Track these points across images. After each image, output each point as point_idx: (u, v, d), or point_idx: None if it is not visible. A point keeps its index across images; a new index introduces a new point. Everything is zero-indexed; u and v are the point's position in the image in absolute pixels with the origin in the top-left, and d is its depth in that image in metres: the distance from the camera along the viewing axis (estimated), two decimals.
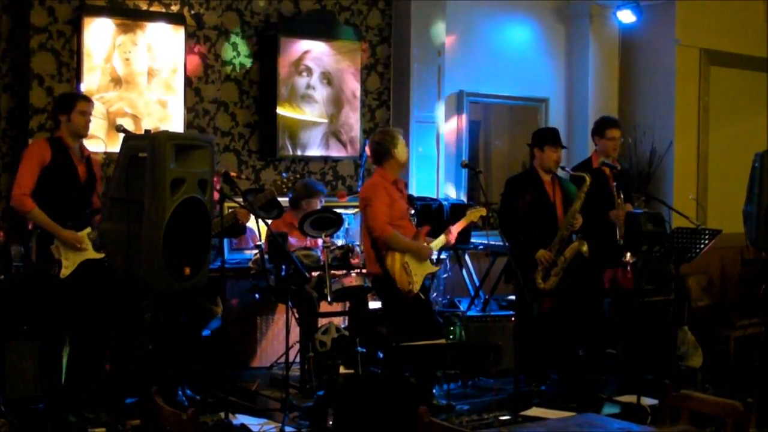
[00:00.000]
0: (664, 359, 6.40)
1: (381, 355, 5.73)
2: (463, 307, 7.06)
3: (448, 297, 7.31)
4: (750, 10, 9.05)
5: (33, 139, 6.10)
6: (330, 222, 6.29)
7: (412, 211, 6.40)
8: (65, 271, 5.20)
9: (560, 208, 6.16)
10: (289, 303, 5.91)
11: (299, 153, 7.35)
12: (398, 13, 7.90)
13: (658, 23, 8.68)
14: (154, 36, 6.70)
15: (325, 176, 7.61)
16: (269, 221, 6.10)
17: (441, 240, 5.89)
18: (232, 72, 7.19)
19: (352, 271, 6.42)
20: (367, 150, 6.48)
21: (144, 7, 6.72)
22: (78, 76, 6.40)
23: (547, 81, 8.81)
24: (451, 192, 8.08)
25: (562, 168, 6.26)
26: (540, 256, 5.99)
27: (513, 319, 6.67)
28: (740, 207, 6.64)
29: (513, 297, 6.89)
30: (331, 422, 5.24)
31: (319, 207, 6.68)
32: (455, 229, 5.98)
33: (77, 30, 6.40)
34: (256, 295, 6.56)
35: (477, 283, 7.54)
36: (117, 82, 6.58)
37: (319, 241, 6.58)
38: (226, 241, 6.44)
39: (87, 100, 5.47)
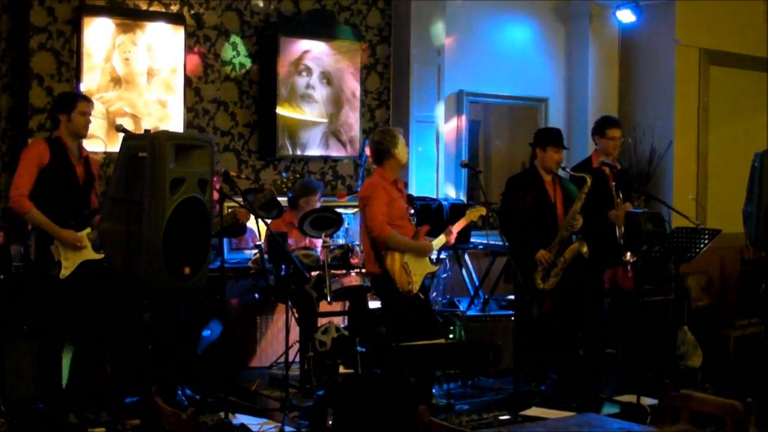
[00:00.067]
0: (664, 359, 6.40)
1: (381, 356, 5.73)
2: (462, 306, 7.06)
3: (448, 297, 7.31)
4: (750, 10, 9.05)
5: (32, 139, 6.10)
6: (330, 222, 6.29)
7: (412, 211, 6.40)
8: (65, 272, 5.20)
9: (560, 208, 6.16)
10: (289, 303, 5.92)
11: (299, 153, 7.35)
12: (398, 13, 7.90)
13: (658, 23, 8.68)
14: (154, 36, 6.70)
15: (325, 176, 7.61)
16: (269, 221, 6.10)
17: (441, 239, 5.90)
18: (231, 72, 7.19)
19: (351, 271, 6.42)
20: (367, 150, 6.48)
21: (144, 7, 6.72)
22: (78, 75, 6.40)
23: (547, 81, 8.81)
24: (450, 192, 8.08)
25: (563, 168, 6.26)
26: (540, 256, 5.99)
27: (513, 319, 6.67)
28: (740, 207, 6.64)
29: (513, 297, 6.89)
30: (330, 422, 5.24)
31: (317, 205, 6.68)
32: (455, 228, 5.98)
33: (77, 30, 6.40)
34: (256, 295, 6.56)
35: (477, 283, 7.54)
36: (117, 81, 6.58)
37: (316, 241, 6.59)
38: (226, 241, 6.44)
39: (87, 100, 5.46)
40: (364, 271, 6.23)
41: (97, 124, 6.07)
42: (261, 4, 7.23)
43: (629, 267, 6.25)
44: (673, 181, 8.62)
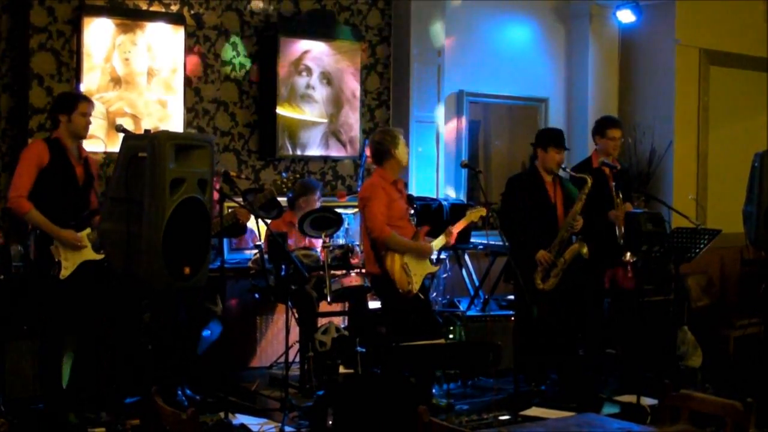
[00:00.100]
0: (664, 359, 6.40)
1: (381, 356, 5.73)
2: (462, 306, 7.06)
3: (448, 297, 7.31)
4: (750, 10, 9.05)
5: (32, 139, 6.09)
6: (329, 222, 6.29)
7: (412, 211, 6.40)
8: (65, 272, 5.20)
9: (561, 208, 6.16)
10: (289, 303, 5.92)
11: (299, 153, 7.35)
12: (398, 13, 7.90)
13: (658, 23, 8.68)
14: (154, 36, 6.70)
15: (325, 176, 7.61)
16: (269, 221, 6.10)
17: (441, 240, 5.89)
18: (231, 72, 7.19)
19: (351, 271, 6.42)
20: (367, 150, 6.48)
21: (144, 7, 6.72)
22: (78, 75, 6.40)
23: (547, 81, 8.82)
24: (450, 192, 8.08)
25: (563, 169, 6.25)
26: (540, 257, 5.99)
27: (513, 319, 6.67)
28: (740, 207, 6.64)
29: (512, 297, 6.89)
30: (330, 422, 5.24)
31: (317, 203, 6.69)
32: (455, 229, 5.97)
33: (77, 30, 6.40)
34: (256, 295, 6.56)
35: (477, 283, 7.54)
36: (117, 81, 6.58)
37: (316, 241, 6.59)
38: (225, 241, 6.44)
39: (88, 101, 5.46)
40: (364, 271, 6.23)
41: (97, 124, 6.06)
42: (261, 5, 7.23)
43: (629, 267, 6.25)
44: (673, 181, 8.61)
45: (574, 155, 7.96)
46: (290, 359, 5.89)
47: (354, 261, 6.51)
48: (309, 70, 7.36)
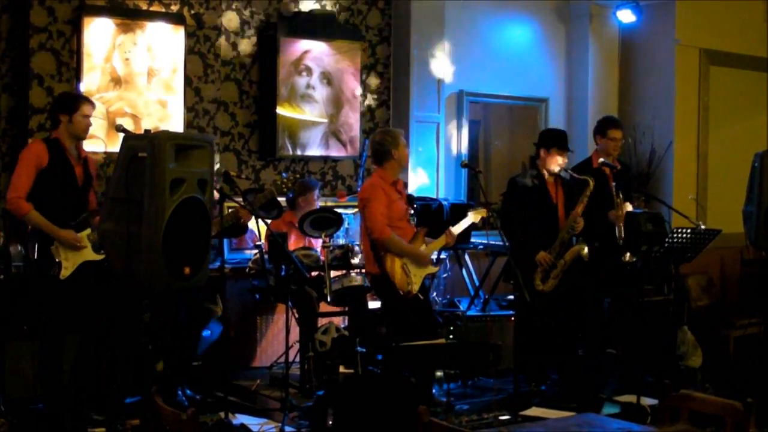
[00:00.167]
0: (664, 359, 6.40)
1: (380, 356, 5.73)
2: (462, 306, 7.06)
3: (448, 297, 7.31)
4: (750, 10, 9.05)
5: (32, 139, 6.09)
6: (329, 222, 6.29)
7: (412, 212, 6.39)
8: (65, 272, 5.20)
9: (562, 209, 6.15)
10: (289, 303, 5.92)
11: (299, 153, 7.35)
12: (398, 13, 7.90)
13: (658, 23, 8.68)
14: (154, 36, 6.70)
15: (325, 176, 7.61)
16: (269, 221, 6.10)
17: (440, 241, 5.87)
18: (232, 72, 7.19)
19: (351, 271, 6.41)
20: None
21: (144, 6, 6.72)
22: (78, 75, 6.40)
23: (547, 81, 8.82)
24: (450, 192, 8.08)
25: (564, 170, 6.24)
26: (540, 258, 5.98)
27: (513, 319, 6.67)
28: (740, 207, 6.64)
29: (512, 297, 6.89)
30: (330, 422, 5.24)
31: (315, 200, 6.71)
32: (456, 230, 5.94)
33: (77, 30, 6.40)
34: (256, 295, 6.56)
35: (477, 283, 7.53)
36: (117, 81, 6.58)
37: (315, 242, 6.58)
38: (226, 241, 6.44)
39: (90, 102, 5.45)
40: (363, 271, 6.23)
41: (97, 124, 6.06)
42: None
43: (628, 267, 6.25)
44: (673, 181, 8.61)
45: (574, 155, 7.95)
46: (290, 359, 5.89)
47: (355, 261, 6.50)
48: (309, 70, 7.36)
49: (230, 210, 5.98)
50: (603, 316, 6.56)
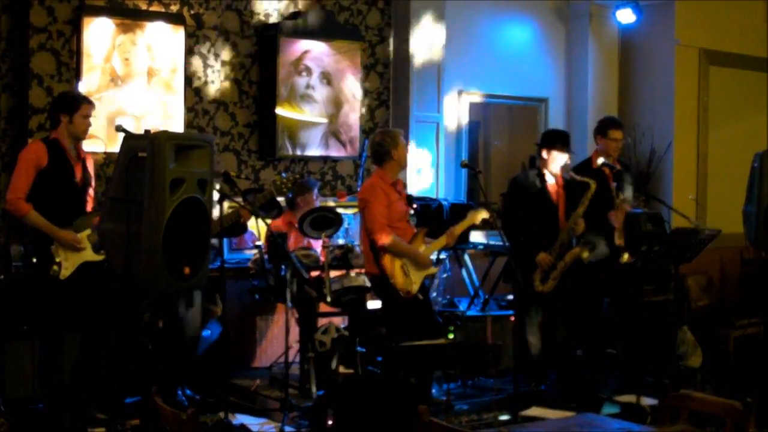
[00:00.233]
0: (664, 359, 6.40)
1: (380, 357, 5.73)
2: (462, 306, 7.06)
3: (448, 297, 7.31)
4: (750, 10, 9.06)
5: (32, 139, 6.09)
6: (329, 222, 6.29)
7: (412, 212, 6.39)
8: (65, 272, 5.20)
9: (562, 210, 6.15)
10: (289, 303, 5.92)
11: (299, 153, 7.35)
12: (398, 13, 7.90)
13: (658, 23, 8.68)
14: (154, 36, 6.70)
15: (325, 176, 7.61)
16: (269, 221, 6.10)
17: (441, 241, 5.86)
18: (232, 72, 7.19)
19: (351, 271, 6.41)
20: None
21: (144, 7, 6.72)
22: (78, 75, 6.40)
23: (547, 81, 8.82)
24: (450, 192, 8.08)
25: (566, 171, 6.22)
26: (540, 259, 5.98)
27: (513, 319, 6.67)
28: (740, 207, 6.64)
29: (512, 297, 6.89)
30: (330, 422, 5.24)
31: (315, 199, 6.70)
32: (457, 230, 5.92)
33: (77, 30, 6.40)
34: (256, 295, 6.56)
35: (477, 283, 7.54)
36: (116, 82, 6.58)
37: (314, 242, 6.58)
38: (225, 241, 6.44)
39: (90, 102, 5.45)
40: (363, 271, 6.23)
41: (97, 124, 6.06)
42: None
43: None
44: (672, 181, 8.62)
45: (574, 155, 7.96)
46: (290, 359, 5.89)
47: (355, 261, 6.49)
48: (309, 70, 7.36)
49: (230, 210, 5.98)
50: (603, 316, 6.56)
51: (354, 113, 7.58)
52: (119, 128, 5.23)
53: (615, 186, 6.26)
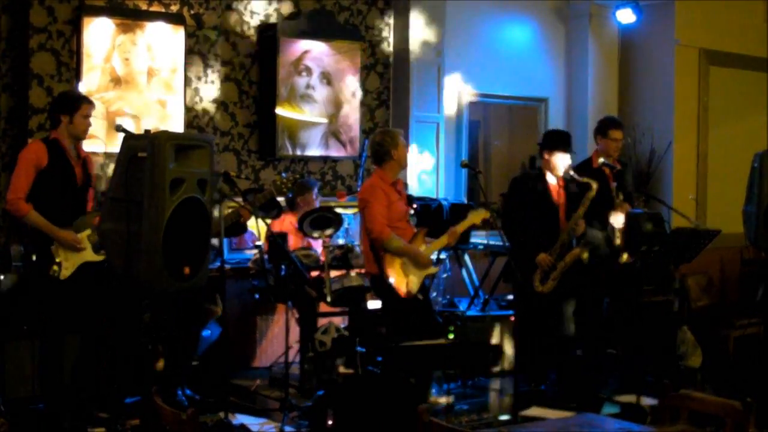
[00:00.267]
0: (664, 359, 6.41)
1: (380, 357, 5.73)
2: (462, 306, 7.06)
3: (448, 297, 7.31)
4: (750, 10, 9.06)
5: (32, 139, 6.09)
6: (329, 222, 6.29)
7: (412, 212, 6.39)
8: (65, 272, 5.20)
9: (563, 211, 6.15)
10: (289, 303, 5.91)
11: (299, 153, 7.35)
12: (398, 13, 7.90)
13: (658, 23, 8.68)
14: (154, 36, 6.70)
15: (325, 176, 7.61)
16: (269, 221, 6.10)
17: (442, 240, 5.86)
18: (232, 72, 7.19)
19: (351, 271, 6.41)
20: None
21: (144, 7, 6.72)
22: (77, 76, 6.40)
23: (547, 81, 8.82)
24: (450, 192, 8.08)
25: (567, 171, 6.21)
26: (540, 260, 5.98)
27: (513, 318, 6.67)
28: (740, 207, 6.64)
29: (512, 297, 6.89)
30: (330, 422, 5.24)
31: (314, 198, 6.71)
32: (458, 229, 5.91)
33: (77, 30, 6.40)
34: (256, 296, 6.56)
35: (477, 283, 7.54)
36: (116, 81, 6.58)
37: (314, 242, 6.58)
38: (225, 241, 6.44)
39: (90, 102, 5.44)
40: (363, 271, 6.23)
41: (97, 124, 6.06)
42: None
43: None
44: (672, 181, 8.62)
45: (575, 155, 7.96)
46: (290, 359, 5.89)
47: (355, 261, 6.49)
48: (309, 70, 7.37)
49: (230, 210, 5.98)
50: (603, 316, 6.56)
51: (354, 113, 7.58)
52: (119, 128, 5.23)
53: (615, 186, 6.26)
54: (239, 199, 5.79)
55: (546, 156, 6.17)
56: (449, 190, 8.07)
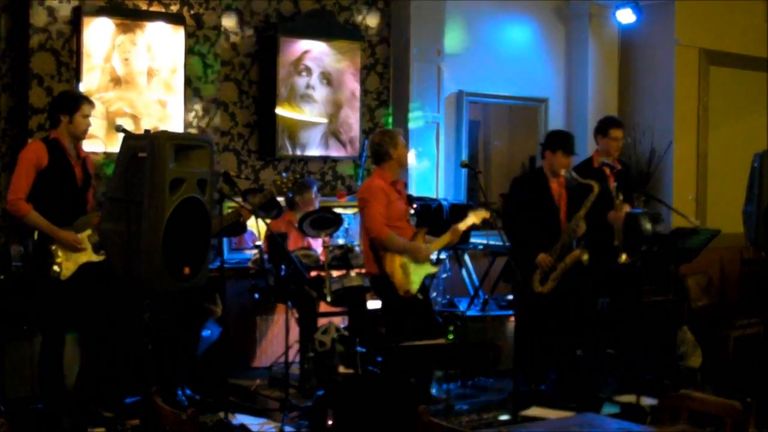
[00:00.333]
0: (664, 359, 6.40)
1: (380, 357, 5.73)
2: (462, 306, 7.06)
3: (448, 297, 7.31)
4: (750, 10, 9.06)
5: (32, 139, 6.09)
6: (329, 222, 6.29)
7: (412, 212, 6.39)
8: (66, 273, 5.19)
9: (564, 211, 6.14)
10: (289, 303, 5.91)
11: (299, 153, 7.35)
12: (398, 13, 7.90)
13: (658, 23, 8.68)
14: (154, 36, 6.69)
15: (325, 176, 7.61)
16: (269, 221, 6.10)
17: (445, 238, 5.85)
18: (231, 72, 7.19)
19: (351, 271, 6.41)
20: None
21: (144, 7, 6.72)
22: (77, 76, 6.40)
23: (547, 81, 8.82)
24: (450, 192, 8.08)
25: (569, 172, 6.20)
26: (540, 260, 5.97)
27: (513, 319, 6.67)
28: (740, 207, 6.64)
29: (512, 297, 6.89)
30: (330, 422, 5.24)
31: (313, 197, 6.71)
32: (460, 227, 5.91)
33: (77, 30, 6.40)
34: (256, 295, 6.56)
35: (476, 283, 7.54)
36: (116, 82, 6.58)
37: (314, 242, 6.58)
38: (225, 241, 6.44)
39: (90, 102, 5.44)
40: (363, 271, 6.23)
41: (97, 124, 6.06)
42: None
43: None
44: (672, 181, 8.62)
45: (576, 156, 7.96)
46: (290, 359, 5.89)
47: (354, 261, 6.50)
48: (309, 70, 7.37)
49: (230, 210, 5.99)
50: (602, 316, 6.56)
51: (354, 113, 7.58)
52: (119, 128, 5.23)
53: (615, 186, 6.26)
54: (239, 199, 5.79)
55: (548, 156, 6.17)
56: (449, 190, 8.07)
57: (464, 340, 6.61)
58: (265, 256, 6.23)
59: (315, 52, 7.38)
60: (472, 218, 5.92)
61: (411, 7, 7.78)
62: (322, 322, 6.37)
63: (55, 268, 5.17)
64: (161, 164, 4.45)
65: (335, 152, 7.54)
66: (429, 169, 7.89)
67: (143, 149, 4.51)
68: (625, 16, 8.47)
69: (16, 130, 6.37)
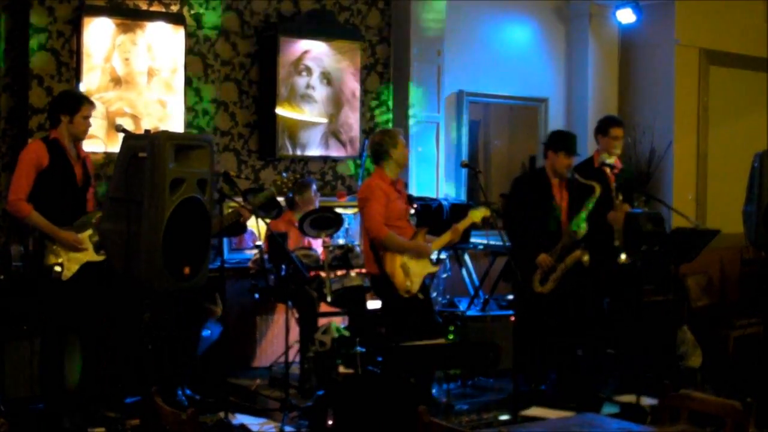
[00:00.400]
0: (664, 359, 6.40)
1: (380, 357, 5.73)
2: (462, 306, 7.06)
3: (448, 297, 7.31)
4: (750, 10, 9.06)
5: (32, 139, 6.09)
6: (329, 222, 6.29)
7: (412, 211, 6.39)
8: (67, 273, 5.19)
9: (565, 212, 6.14)
10: (289, 303, 5.91)
11: (299, 153, 7.35)
12: (398, 13, 7.90)
13: (658, 23, 8.68)
14: (154, 36, 6.70)
15: (325, 176, 7.61)
16: (269, 221, 6.10)
17: (446, 237, 5.85)
18: (231, 72, 7.19)
19: (351, 271, 6.41)
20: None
21: (144, 7, 6.72)
22: (77, 75, 6.40)
23: (547, 81, 8.82)
24: (450, 192, 8.08)
25: (571, 173, 6.19)
26: (540, 260, 5.97)
27: (513, 318, 6.67)
28: (740, 207, 6.64)
29: (512, 297, 6.89)
30: (330, 422, 5.24)
31: (313, 196, 6.72)
32: (461, 226, 5.92)
33: (77, 30, 6.40)
34: (256, 295, 6.56)
35: (477, 283, 7.54)
36: (117, 81, 6.58)
37: (314, 241, 6.58)
38: (225, 241, 6.44)
39: (91, 103, 5.43)
40: (363, 271, 6.23)
41: (97, 124, 6.06)
42: None
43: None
44: (672, 181, 8.62)
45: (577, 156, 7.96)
46: (290, 359, 5.89)
47: (355, 261, 6.50)
48: (309, 70, 7.37)
49: (230, 210, 5.99)
50: (602, 316, 6.56)
51: (354, 113, 7.58)
52: (119, 128, 5.23)
53: (615, 186, 6.26)
54: (239, 199, 5.79)
55: (550, 156, 6.16)
56: (449, 190, 8.07)
57: (464, 340, 6.61)
58: (266, 256, 6.24)
59: (315, 52, 7.38)
60: (471, 217, 5.93)
61: (411, 7, 7.78)
62: (322, 322, 6.37)
63: (57, 268, 5.17)
64: (161, 164, 4.45)
65: (335, 152, 7.54)
66: (429, 169, 7.89)
67: (143, 149, 4.51)
68: (625, 16, 8.47)
69: (16, 130, 6.37)
